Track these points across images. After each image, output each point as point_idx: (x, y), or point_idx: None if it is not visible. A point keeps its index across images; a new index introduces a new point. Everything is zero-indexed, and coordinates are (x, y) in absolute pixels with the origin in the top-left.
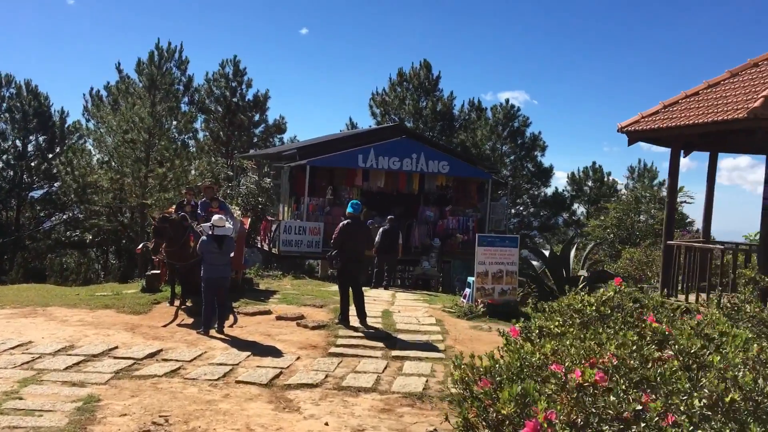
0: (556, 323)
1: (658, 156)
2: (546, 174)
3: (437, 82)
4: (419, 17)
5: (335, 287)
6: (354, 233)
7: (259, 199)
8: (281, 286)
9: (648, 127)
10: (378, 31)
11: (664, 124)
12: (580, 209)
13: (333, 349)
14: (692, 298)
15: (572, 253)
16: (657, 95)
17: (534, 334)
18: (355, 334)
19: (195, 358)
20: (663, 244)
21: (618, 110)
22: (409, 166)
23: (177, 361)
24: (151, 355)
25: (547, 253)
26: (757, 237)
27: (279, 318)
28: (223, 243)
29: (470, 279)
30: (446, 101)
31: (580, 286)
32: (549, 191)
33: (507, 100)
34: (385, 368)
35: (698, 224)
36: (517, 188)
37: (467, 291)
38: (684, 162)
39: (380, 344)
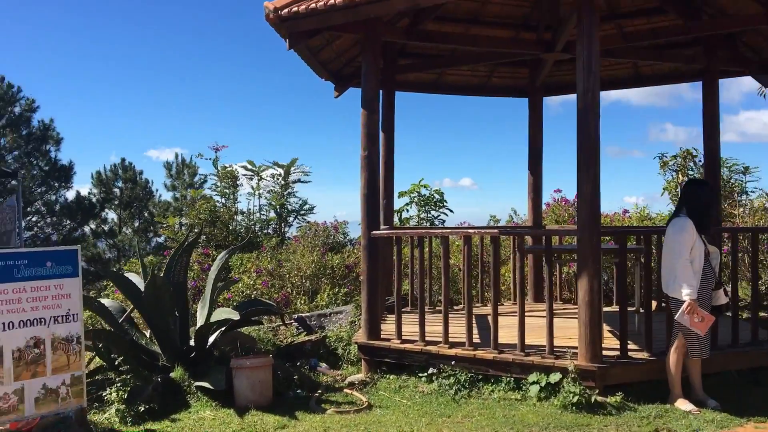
0: None
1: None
2: (65, 173)
3: None
4: None
5: None
6: None
7: None
8: None
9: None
10: None
11: None
12: (111, 215)
13: None
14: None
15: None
16: None
17: None
18: None
19: None
20: (364, 238)
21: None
22: None
23: None
24: None
25: (137, 279)
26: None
27: None
28: None
29: None
30: None
31: (214, 337)
32: (71, 195)
33: (2, 78)
34: None
35: (331, 211)
36: (26, 193)
37: None
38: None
39: None
